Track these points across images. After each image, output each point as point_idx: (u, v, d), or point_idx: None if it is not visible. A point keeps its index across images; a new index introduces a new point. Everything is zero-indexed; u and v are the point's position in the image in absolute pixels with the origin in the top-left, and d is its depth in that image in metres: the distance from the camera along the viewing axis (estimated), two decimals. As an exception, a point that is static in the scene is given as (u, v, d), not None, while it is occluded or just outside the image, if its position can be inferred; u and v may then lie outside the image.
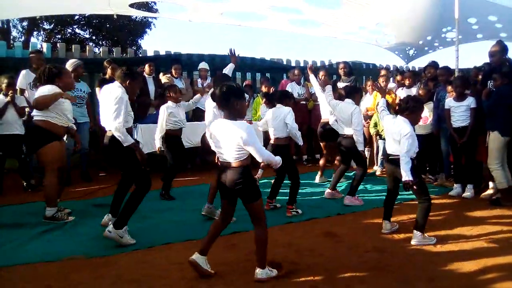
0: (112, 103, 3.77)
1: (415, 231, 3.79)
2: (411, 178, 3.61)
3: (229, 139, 2.98)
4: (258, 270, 3.03)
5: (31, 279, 3.09)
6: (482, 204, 5.14)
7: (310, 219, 4.58)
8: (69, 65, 6.14)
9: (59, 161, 4.56)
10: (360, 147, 5.22)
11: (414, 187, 3.66)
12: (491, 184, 5.45)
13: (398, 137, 3.79)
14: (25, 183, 5.98)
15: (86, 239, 3.90)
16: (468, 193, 5.48)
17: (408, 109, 3.87)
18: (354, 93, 5.43)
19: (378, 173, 7.22)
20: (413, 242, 3.77)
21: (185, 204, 5.18)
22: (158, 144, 5.37)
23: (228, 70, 4.98)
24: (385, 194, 4.25)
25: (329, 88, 5.83)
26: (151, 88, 7.42)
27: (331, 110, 5.90)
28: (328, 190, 5.57)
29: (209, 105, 4.45)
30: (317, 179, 6.58)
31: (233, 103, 3.02)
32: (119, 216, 3.77)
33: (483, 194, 5.48)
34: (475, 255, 3.47)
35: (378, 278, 3.06)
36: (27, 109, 5.77)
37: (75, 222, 4.43)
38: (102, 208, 4.72)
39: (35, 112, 4.53)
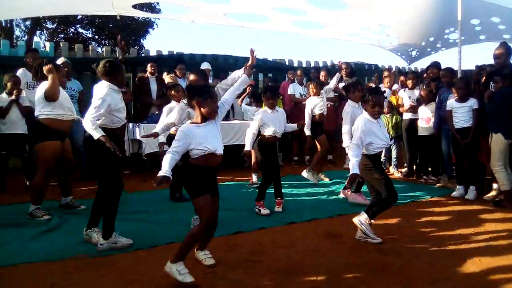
0: (94, 99, 3.62)
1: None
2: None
3: None
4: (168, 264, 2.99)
5: (34, 278, 3.09)
6: (484, 205, 5.14)
7: (312, 220, 4.58)
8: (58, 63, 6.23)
9: (51, 162, 4.60)
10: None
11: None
12: (494, 185, 5.44)
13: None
14: (28, 182, 5.99)
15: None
16: (471, 194, 5.47)
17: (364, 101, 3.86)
18: (353, 89, 5.43)
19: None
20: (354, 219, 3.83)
21: (188, 204, 5.17)
22: (163, 139, 5.07)
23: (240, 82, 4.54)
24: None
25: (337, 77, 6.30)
26: (154, 87, 7.44)
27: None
28: (348, 192, 5.44)
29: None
30: (309, 177, 6.47)
31: (199, 104, 3.00)
32: (103, 227, 3.66)
33: (485, 195, 5.48)
34: (478, 256, 3.46)
35: (380, 279, 3.06)
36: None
37: (78, 222, 4.43)
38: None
39: (37, 112, 4.57)
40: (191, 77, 4.40)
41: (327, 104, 7.61)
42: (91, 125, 3.52)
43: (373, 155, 3.81)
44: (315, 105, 6.54)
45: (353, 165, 3.65)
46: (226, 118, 7.88)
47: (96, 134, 3.51)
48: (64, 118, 4.59)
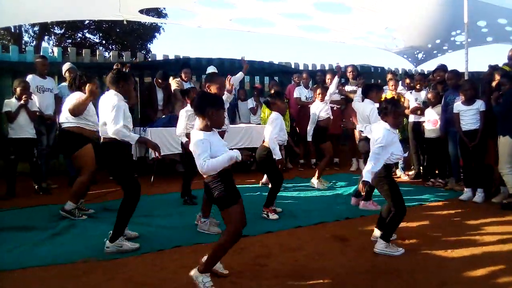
0: (109, 111, 3.68)
1: None
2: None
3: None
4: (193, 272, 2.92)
5: (43, 281, 3.12)
6: (492, 208, 5.11)
7: (319, 223, 4.57)
8: (63, 68, 6.61)
9: (93, 164, 4.79)
10: None
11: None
12: (502, 188, 5.41)
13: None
14: (36, 187, 6.05)
15: (97, 242, 3.91)
16: (479, 197, 5.44)
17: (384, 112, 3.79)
18: (370, 91, 5.42)
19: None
20: None
21: (195, 208, 5.20)
22: (185, 139, 5.05)
23: (237, 78, 4.87)
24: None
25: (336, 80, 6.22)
26: (160, 96, 7.54)
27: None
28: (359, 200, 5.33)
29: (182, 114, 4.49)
30: (315, 184, 6.44)
31: (208, 113, 2.87)
32: (114, 228, 3.69)
33: (493, 198, 5.44)
34: (486, 259, 3.45)
35: (388, 283, 3.05)
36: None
37: (86, 225, 4.47)
38: (112, 212, 4.75)
39: (64, 119, 4.76)
40: (213, 89, 4.32)
41: (333, 107, 7.63)
42: (122, 136, 3.66)
43: (387, 165, 3.76)
44: (320, 109, 6.54)
45: (367, 172, 3.59)
46: (232, 121, 7.91)
47: (135, 137, 3.73)
48: (89, 128, 4.82)
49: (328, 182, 6.61)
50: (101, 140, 3.91)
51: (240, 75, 4.93)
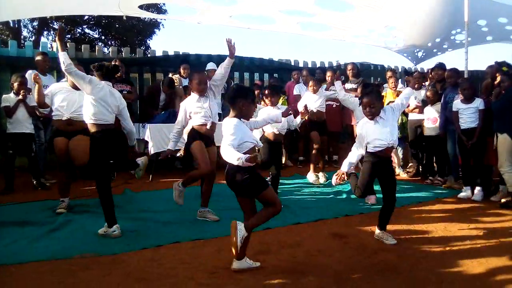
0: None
1: None
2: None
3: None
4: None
5: (40, 276, 3.11)
6: (491, 207, 5.11)
7: (318, 220, 4.57)
8: None
9: (62, 157, 4.72)
10: None
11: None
12: (501, 187, 5.41)
13: None
14: (35, 182, 6.03)
15: (95, 238, 3.93)
16: (478, 195, 5.44)
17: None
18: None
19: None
20: None
21: (195, 203, 5.19)
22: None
23: (225, 65, 4.74)
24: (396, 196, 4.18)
25: (338, 84, 6.15)
26: (162, 97, 7.56)
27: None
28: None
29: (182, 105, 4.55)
30: (311, 179, 6.47)
31: (238, 104, 3.14)
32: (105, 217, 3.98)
33: (492, 197, 5.44)
34: (485, 258, 3.45)
35: (387, 280, 3.05)
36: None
37: (84, 221, 4.46)
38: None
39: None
40: (193, 84, 4.53)
41: (332, 105, 7.62)
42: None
43: (374, 153, 3.82)
44: (311, 101, 6.50)
45: (344, 162, 3.98)
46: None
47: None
48: (58, 118, 4.87)
49: (325, 178, 6.55)
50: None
51: (227, 61, 4.60)
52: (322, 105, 6.67)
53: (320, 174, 6.59)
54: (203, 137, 4.47)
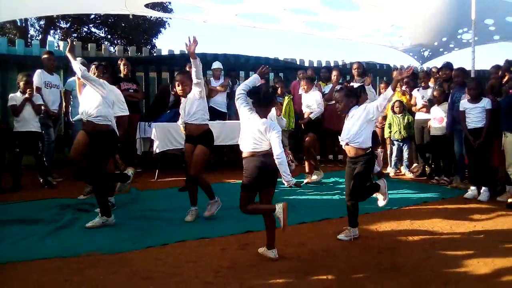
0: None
1: None
2: None
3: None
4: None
5: (47, 273, 3.13)
6: (497, 207, 5.08)
7: (323, 219, 4.57)
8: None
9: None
10: None
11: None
12: (507, 187, 5.38)
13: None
14: (42, 180, 6.07)
15: (102, 236, 3.95)
16: (484, 196, 5.42)
17: None
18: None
19: (392, 174, 7.19)
20: None
21: (200, 202, 5.21)
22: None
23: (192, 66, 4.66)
24: (396, 196, 4.19)
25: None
26: (171, 98, 7.53)
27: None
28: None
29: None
30: (314, 178, 6.43)
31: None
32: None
33: (499, 197, 5.41)
34: (490, 258, 3.43)
35: (392, 280, 3.05)
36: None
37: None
38: (117, 205, 4.80)
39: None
40: (176, 85, 4.64)
41: (333, 104, 7.58)
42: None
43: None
44: (304, 100, 6.50)
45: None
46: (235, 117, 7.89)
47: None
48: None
49: (317, 176, 6.49)
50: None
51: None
52: (320, 108, 6.47)
53: (316, 172, 6.54)
54: (187, 138, 4.55)
